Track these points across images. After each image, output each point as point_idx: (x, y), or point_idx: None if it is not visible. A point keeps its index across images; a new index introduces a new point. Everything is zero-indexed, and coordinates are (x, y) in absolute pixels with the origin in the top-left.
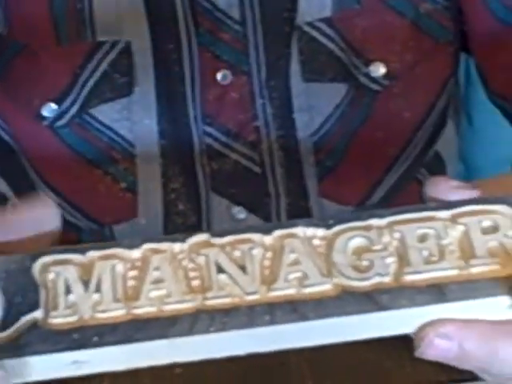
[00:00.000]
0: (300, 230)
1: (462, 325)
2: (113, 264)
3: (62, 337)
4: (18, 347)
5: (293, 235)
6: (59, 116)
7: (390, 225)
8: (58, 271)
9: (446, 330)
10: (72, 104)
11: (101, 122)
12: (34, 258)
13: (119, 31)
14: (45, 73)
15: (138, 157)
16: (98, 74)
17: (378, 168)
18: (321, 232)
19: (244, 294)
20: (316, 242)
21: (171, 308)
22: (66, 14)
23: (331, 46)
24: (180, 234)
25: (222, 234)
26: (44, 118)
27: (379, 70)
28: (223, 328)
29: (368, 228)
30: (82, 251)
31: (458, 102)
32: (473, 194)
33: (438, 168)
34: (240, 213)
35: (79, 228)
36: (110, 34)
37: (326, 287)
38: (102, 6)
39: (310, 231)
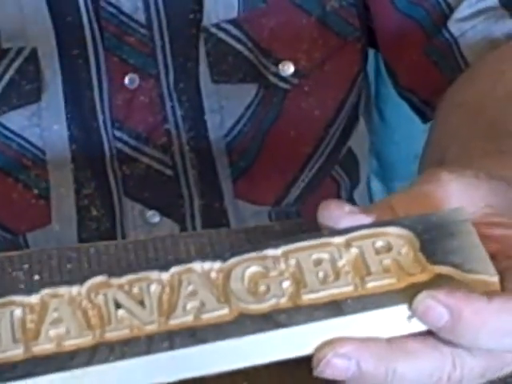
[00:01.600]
0: (197, 265)
1: (360, 344)
2: (11, 310)
3: None
4: None
5: (190, 270)
6: None
7: (286, 253)
8: None
9: (343, 350)
10: None
11: (10, 130)
12: None
13: (24, 38)
14: None
15: (49, 163)
16: (4, 81)
17: (291, 167)
18: (217, 265)
19: (142, 325)
20: (213, 274)
21: (70, 343)
22: None
23: (239, 46)
24: (78, 277)
25: (119, 274)
26: None
27: (288, 68)
28: (123, 357)
29: (264, 258)
30: None
31: (368, 98)
32: (364, 219)
33: (351, 164)
34: (154, 217)
35: None
36: (15, 41)
37: (223, 312)
38: (5, 13)
39: (207, 265)
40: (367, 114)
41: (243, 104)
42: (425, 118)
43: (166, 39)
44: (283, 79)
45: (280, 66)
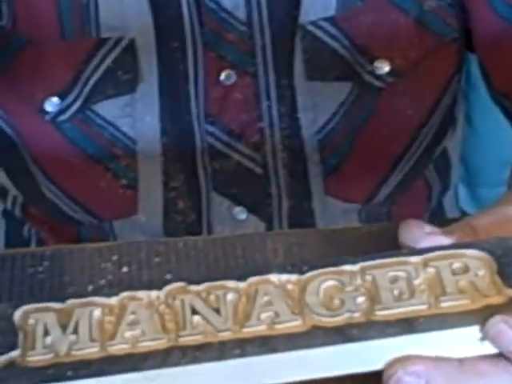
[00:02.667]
0: (274, 277)
1: (431, 364)
2: (91, 310)
3: (37, 373)
4: None
5: (267, 281)
6: (62, 111)
7: (363, 269)
8: (38, 317)
9: (414, 369)
10: (75, 99)
11: (103, 118)
12: (16, 306)
13: (124, 28)
14: (48, 67)
15: (140, 154)
16: (101, 70)
17: (383, 165)
18: (294, 277)
19: (216, 331)
20: (289, 286)
21: (145, 345)
22: (71, 8)
23: (335, 44)
24: (158, 281)
25: (198, 282)
26: (46, 112)
27: (383, 67)
28: (194, 361)
29: (340, 273)
30: (62, 300)
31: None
32: (444, 240)
33: (444, 167)
34: (241, 213)
35: (79, 222)
36: (114, 31)
37: (296, 323)
38: (107, 2)
39: (284, 277)
40: (458, 117)
41: (337, 102)
42: None
43: (267, 37)
44: (378, 78)
45: (375, 65)
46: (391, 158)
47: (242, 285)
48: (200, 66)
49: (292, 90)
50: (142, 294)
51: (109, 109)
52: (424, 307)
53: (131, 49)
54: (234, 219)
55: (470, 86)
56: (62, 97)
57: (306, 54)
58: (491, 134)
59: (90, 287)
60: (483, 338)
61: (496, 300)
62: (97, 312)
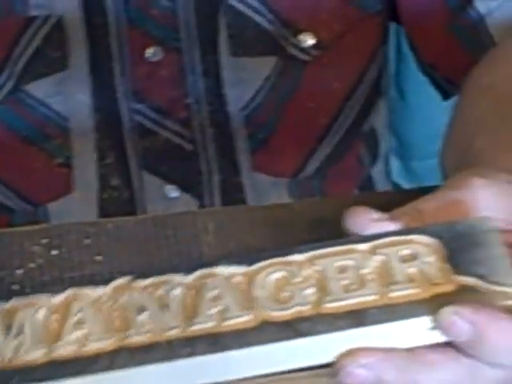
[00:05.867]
0: (221, 269)
1: (382, 355)
2: (34, 310)
3: None
4: None
5: (214, 274)
6: None
7: (311, 259)
8: None
9: (365, 361)
10: (6, 80)
11: (35, 98)
12: None
13: (51, 6)
14: None
15: (73, 132)
16: (31, 49)
17: (310, 138)
18: (241, 269)
19: (164, 329)
20: (237, 278)
21: (91, 347)
22: None
23: (259, 18)
24: (101, 279)
25: (143, 276)
26: None
27: (308, 40)
28: (143, 362)
29: (288, 263)
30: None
31: (388, 75)
32: (391, 226)
33: (372, 140)
34: (173, 191)
35: (11, 210)
36: (41, 9)
37: (246, 318)
38: None
39: (231, 269)
40: (386, 91)
41: (262, 76)
42: (446, 95)
43: (191, 13)
44: (303, 50)
45: (300, 38)
46: (318, 131)
47: (188, 278)
48: (124, 43)
49: (217, 66)
50: (87, 291)
51: (40, 88)
52: (373, 298)
53: (59, 26)
54: (165, 198)
55: (401, 59)
56: None
57: (230, 29)
58: (423, 106)
59: (20, 271)
60: (433, 328)
61: (445, 288)
62: (41, 312)
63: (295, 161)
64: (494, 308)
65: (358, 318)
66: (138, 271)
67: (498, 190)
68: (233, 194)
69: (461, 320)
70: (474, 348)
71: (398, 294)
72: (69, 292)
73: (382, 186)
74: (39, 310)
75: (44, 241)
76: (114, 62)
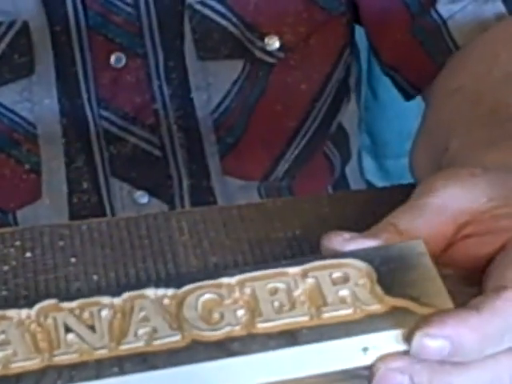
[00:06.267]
0: (150, 291)
1: (413, 359)
2: None
3: None
4: None
5: (142, 296)
6: None
7: (241, 282)
8: None
9: (397, 365)
10: None
11: (1, 105)
12: None
13: (16, 12)
14: None
15: (41, 137)
16: None
17: (278, 141)
18: (171, 291)
19: (92, 349)
20: (166, 301)
21: (17, 365)
22: None
23: (224, 22)
24: (26, 302)
25: (70, 298)
26: None
27: (274, 43)
28: (71, 381)
29: (218, 286)
30: None
31: (358, 74)
32: (367, 243)
33: (341, 140)
34: (142, 197)
35: None
36: (6, 15)
37: (176, 338)
38: None
39: (160, 292)
40: (357, 90)
41: (230, 80)
42: (407, 97)
43: (154, 18)
44: (269, 54)
45: (266, 41)
46: (287, 133)
47: (116, 300)
48: (86, 49)
49: (184, 71)
50: (11, 312)
51: (7, 95)
52: (305, 318)
53: (25, 32)
54: (135, 203)
55: (373, 58)
56: None
57: (196, 34)
58: (396, 105)
59: None
60: (366, 349)
61: (377, 309)
62: None
63: (265, 164)
64: (451, 309)
65: (290, 337)
66: (112, 272)
67: (463, 183)
68: (203, 198)
69: (434, 340)
70: (458, 356)
71: (330, 314)
72: None
73: (355, 184)
74: None
75: (17, 243)
76: (78, 67)
